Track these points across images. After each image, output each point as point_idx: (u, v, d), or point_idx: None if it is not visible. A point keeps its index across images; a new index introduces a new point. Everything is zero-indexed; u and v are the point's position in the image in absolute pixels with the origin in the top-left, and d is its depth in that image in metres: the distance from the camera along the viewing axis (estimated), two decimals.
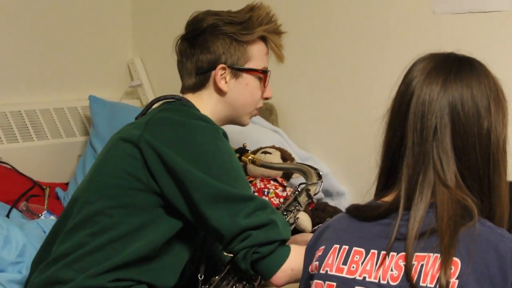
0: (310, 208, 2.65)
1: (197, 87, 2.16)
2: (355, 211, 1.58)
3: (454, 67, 1.54)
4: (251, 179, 2.65)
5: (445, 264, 1.43)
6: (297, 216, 2.21)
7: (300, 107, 3.20)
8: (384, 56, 2.87)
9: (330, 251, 1.55)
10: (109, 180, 2.01)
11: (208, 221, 1.93)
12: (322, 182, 2.27)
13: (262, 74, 2.17)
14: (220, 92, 2.14)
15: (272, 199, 2.64)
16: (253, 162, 2.30)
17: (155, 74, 3.70)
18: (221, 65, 2.12)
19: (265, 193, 2.66)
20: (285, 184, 2.72)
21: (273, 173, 2.71)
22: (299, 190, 2.23)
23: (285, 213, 2.20)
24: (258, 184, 2.68)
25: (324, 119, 3.09)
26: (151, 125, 2.02)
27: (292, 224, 2.19)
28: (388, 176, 1.57)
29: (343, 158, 2.98)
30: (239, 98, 2.16)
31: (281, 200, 2.63)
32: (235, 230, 1.92)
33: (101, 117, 3.19)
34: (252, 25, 2.14)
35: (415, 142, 1.52)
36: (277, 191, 2.67)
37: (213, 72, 2.13)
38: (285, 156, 2.77)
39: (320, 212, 2.66)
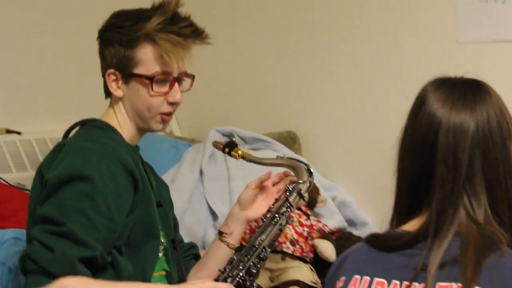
0: (334, 237, 2.64)
1: (107, 96, 2.15)
2: (375, 241, 1.56)
3: (476, 95, 1.53)
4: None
5: None
6: (288, 218, 2.15)
7: (324, 136, 3.20)
8: (407, 85, 2.84)
9: (351, 282, 1.52)
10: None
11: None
12: (313, 178, 2.19)
13: (148, 80, 2.06)
14: (117, 98, 2.11)
15: (296, 228, 2.63)
16: (243, 157, 2.24)
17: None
18: (109, 71, 2.09)
19: (289, 221, 2.63)
20: (309, 213, 2.71)
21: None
22: (290, 189, 2.16)
23: (276, 215, 2.13)
24: None
25: (348, 148, 3.09)
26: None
27: (284, 225, 2.14)
28: (409, 206, 1.55)
29: (367, 187, 2.98)
30: (134, 103, 2.10)
31: (305, 229, 2.64)
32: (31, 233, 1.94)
33: None
34: (138, 27, 2.06)
35: (446, 177, 1.50)
36: (301, 219, 2.67)
37: (106, 79, 2.11)
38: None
39: (344, 241, 2.65)
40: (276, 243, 2.50)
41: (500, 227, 1.50)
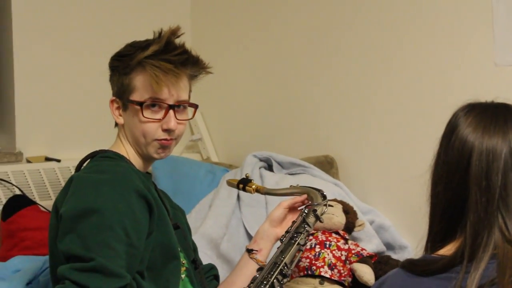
0: (373, 261, 2.63)
1: (115, 125, 2.22)
2: (411, 266, 1.56)
3: (509, 119, 1.54)
4: (313, 231, 2.62)
5: None
6: (307, 237, 2.23)
7: (361, 160, 3.19)
8: (445, 109, 2.85)
9: None
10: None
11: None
12: (327, 201, 2.28)
13: (138, 106, 2.11)
14: (121, 126, 2.18)
15: (333, 252, 2.62)
16: (257, 190, 2.34)
17: (215, 128, 3.75)
18: (112, 98, 2.17)
19: (327, 245, 2.64)
20: (347, 237, 2.70)
21: (334, 226, 2.70)
22: (306, 212, 2.24)
23: (295, 235, 2.21)
24: (319, 237, 2.66)
25: (385, 171, 3.07)
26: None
27: (303, 245, 2.22)
28: (444, 231, 1.56)
29: (405, 211, 2.95)
30: (132, 129, 2.15)
31: (343, 253, 2.63)
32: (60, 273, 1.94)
33: (162, 171, 3.22)
34: (134, 56, 2.12)
35: (479, 200, 1.51)
36: (338, 243, 2.65)
37: (110, 106, 2.18)
38: (347, 208, 2.76)
39: (383, 265, 2.63)
40: (314, 268, 2.59)
41: None
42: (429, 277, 1.52)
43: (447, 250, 1.54)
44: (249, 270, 2.29)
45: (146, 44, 2.13)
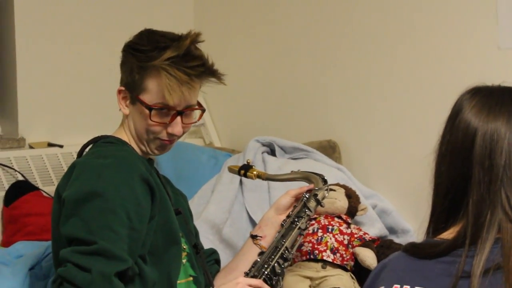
0: (375, 245, 2.63)
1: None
2: (413, 249, 1.56)
3: None
4: (315, 216, 2.65)
5: None
6: (308, 222, 2.27)
7: (363, 144, 3.20)
8: (449, 92, 2.84)
9: None
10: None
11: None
12: (329, 186, 2.33)
13: (147, 110, 2.11)
14: (125, 115, 2.18)
15: (336, 236, 2.63)
16: (258, 176, 2.37)
17: (218, 113, 3.75)
18: (120, 88, 2.16)
19: (329, 230, 2.65)
20: (349, 222, 2.71)
21: (337, 210, 2.70)
22: (307, 196, 2.29)
23: (296, 219, 2.25)
24: (322, 221, 2.67)
25: (388, 156, 3.08)
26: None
27: (304, 229, 2.26)
28: (448, 213, 1.55)
29: (408, 195, 2.96)
30: (135, 123, 2.15)
31: (346, 237, 2.63)
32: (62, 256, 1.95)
33: (165, 156, 3.21)
34: (151, 56, 2.10)
35: (482, 180, 1.50)
36: (341, 228, 2.66)
37: (117, 94, 2.18)
38: (350, 193, 2.76)
39: (386, 249, 2.64)
40: (316, 252, 2.60)
41: None
42: (432, 260, 1.52)
43: (450, 233, 1.54)
44: (252, 255, 2.31)
45: (164, 45, 2.10)
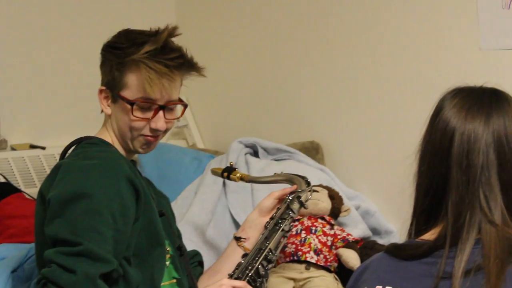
0: (358, 246, 2.64)
1: (102, 111, 2.20)
2: (395, 251, 1.57)
3: (493, 102, 1.55)
4: (299, 217, 2.65)
5: None
6: (291, 223, 2.29)
7: (346, 145, 3.21)
8: (430, 93, 2.85)
9: None
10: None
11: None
12: (311, 188, 2.35)
13: (129, 105, 2.11)
14: (107, 115, 2.17)
15: (319, 237, 2.63)
16: (242, 179, 2.40)
17: (201, 114, 3.75)
18: (101, 88, 2.16)
19: (313, 231, 2.65)
20: (332, 223, 2.71)
21: (320, 211, 2.71)
22: (290, 198, 2.31)
23: (280, 221, 2.27)
24: (305, 222, 2.67)
25: (371, 157, 3.09)
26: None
27: (288, 231, 2.28)
28: (428, 214, 1.56)
29: (391, 196, 2.96)
30: (118, 122, 2.15)
31: (329, 238, 2.64)
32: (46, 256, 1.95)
33: (148, 158, 3.22)
34: (129, 52, 2.11)
35: (460, 180, 1.52)
36: (324, 229, 2.66)
37: (98, 95, 2.18)
38: (333, 194, 2.77)
39: (369, 250, 2.64)
40: (300, 253, 2.60)
41: None
42: (414, 261, 1.53)
43: (431, 234, 1.55)
44: (236, 257, 2.32)
45: (141, 41, 2.11)
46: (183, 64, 2.14)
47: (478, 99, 1.57)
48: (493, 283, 1.43)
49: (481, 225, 1.49)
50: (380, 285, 1.53)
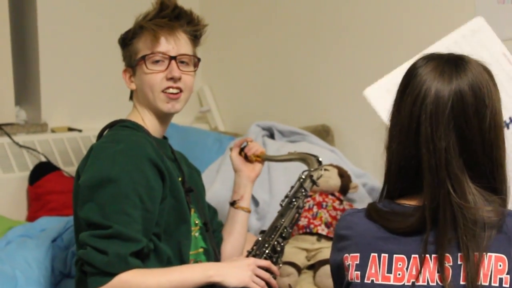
0: None
1: (130, 97, 2.25)
2: (380, 220, 1.53)
3: (459, 64, 1.53)
4: (311, 193, 2.66)
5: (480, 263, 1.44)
6: (305, 201, 2.28)
7: (355, 128, 3.24)
8: None
9: (370, 260, 1.53)
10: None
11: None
12: (323, 166, 2.32)
13: (142, 61, 2.15)
14: (135, 94, 2.21)
15: (330, 212, 2.70)
16: (258, 157, 2.38)
17: (222, 100, 3.82)
18: (124, 69, 2.22)
19: (324, 206, 2.71)
20: (342, 199, 2.77)
21: (330, 188, 2.76)
22: (303, 177, 2.30)
23: (293, 199, 2.26)
24: (317, 198, 2.73)
25: (377, 139, 3.13)
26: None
27: (301, 207, 2.27)
28: (400, 189, 1.54)
29: None
30: (142, 87, 2.17)
31: (338, 212, 2.70)
32: (81, 239, 2.01)
33: (174, 140, 3.29)
34: (135, 24, 2.19)
35: (431, 162, 1.48)
36: (334, 204, 2.73)
37: (123, 77, 2.23)
38: (342, 172, 2.82)
39: None
40: (312, 226, 2.65)
41: (493, 193, 1.50)
42: (401, 236, 1.51)
43: (411, 200, 1.52)
44: (240, 218, 2.38)
45: (146, 13, 2.20)
46: (180, 14, 2.19)
47: (445, 65, 1.53)
48: (484, 247, 1.44)
49: (454, 205, 1.47)
50: (374, 253, 1.52)
